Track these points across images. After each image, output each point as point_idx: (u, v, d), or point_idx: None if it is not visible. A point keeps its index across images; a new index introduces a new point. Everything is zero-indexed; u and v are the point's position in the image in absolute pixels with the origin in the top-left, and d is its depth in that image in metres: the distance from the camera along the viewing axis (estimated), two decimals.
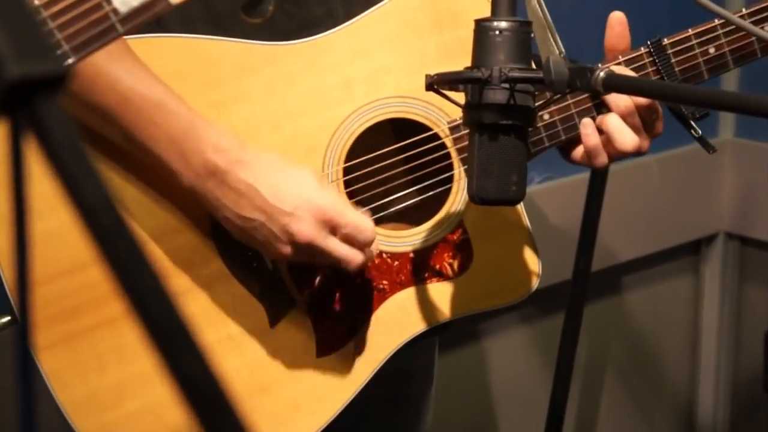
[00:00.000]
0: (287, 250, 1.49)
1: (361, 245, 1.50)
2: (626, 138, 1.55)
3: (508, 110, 1.37)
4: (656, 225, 2.84)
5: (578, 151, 1.61)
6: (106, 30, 1.05)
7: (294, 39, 1.57)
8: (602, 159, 1.58)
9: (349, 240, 1.49)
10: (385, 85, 1.59)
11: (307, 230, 1.47)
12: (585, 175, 2.40)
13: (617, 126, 1.55)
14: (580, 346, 2.42)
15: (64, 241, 1.48)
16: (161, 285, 0.68)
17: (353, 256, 1.50)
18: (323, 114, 1.57)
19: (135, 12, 1.05)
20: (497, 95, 1.37)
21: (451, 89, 1.45)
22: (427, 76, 1.43)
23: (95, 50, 1.05)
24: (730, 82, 2.84)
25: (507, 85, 1.36)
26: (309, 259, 1.52)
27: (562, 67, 1.34)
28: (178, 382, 0.69)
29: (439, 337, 1.83)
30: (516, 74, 1.36)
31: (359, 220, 1.50)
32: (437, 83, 1.43)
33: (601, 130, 1.57)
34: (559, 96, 1.50)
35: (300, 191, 1.47)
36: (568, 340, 2.39)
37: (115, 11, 1.04)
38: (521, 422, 2.73)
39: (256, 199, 1.47)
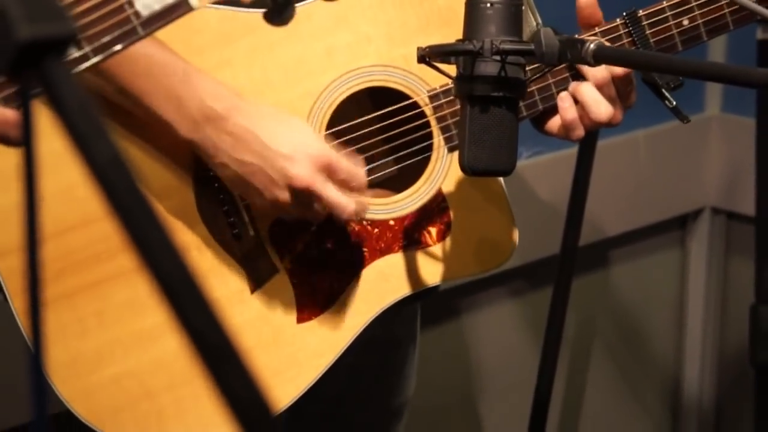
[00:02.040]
0: (284, 195, 1.48)
1: (356, 190, 1.49)
2: (601, 108, 1.55)
3: (500, 82, 1.38)
4: (643, 200, 2.83)
5: (553, 123, 1.61)
6: (128, 33, 1.05)
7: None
8: (579, 132, 1.58)
9: (344, 185, 1.49)
10: (366, 54, 1.58)
11: (305, 173, 1.46)
12: (573, 150, 2.39)
13: (593, 96, 1.55)
14: (567, 320, 2.41)
15: (54, 204, 1.47)
16: (171, 241, 0.70)
17: (347, 204, 1.49)
18: (304, 82, 1.57)
19: (156, 16, 1.04)
20: (489, 67, 1.38)
21: (442, 61, 1.46)
22: (418, 48, 1.44)
23: (116, 53, 1.05)
24: (717, 55, 2.82)
25: (498, 58, 1.37)
26: (302, 206, 1.51)
27: (553, 39, 1.35)
28: (188, 333, 0.71)
29: (420, 305, 1.83)
30: (507, 46, 1.37)
31: (353, 166, 1.50)
32: (429, 55, 1.44)
33: (575, 99, 1.57)
34: (549, 68, 1.49)
35: (297, 137, 1.48)
36: (556, 314, 2.38)
37: (137, 14, 1.04)
38: (509, 396, 2.72)
39: (254, 143, 1.47)
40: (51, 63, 0.69)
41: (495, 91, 1.39)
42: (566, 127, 1.57)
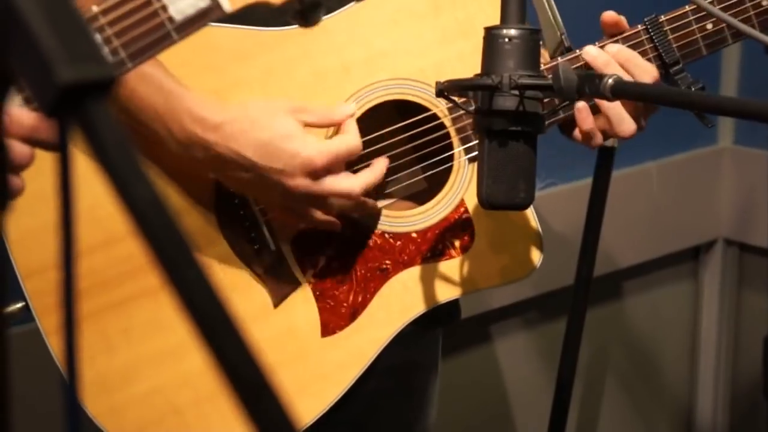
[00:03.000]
0: (289, 204, 1.49)
1: (356, 161, 1.48)
2: (624, 126, 1.55)
3: (518, 117, 1.38)
4: (656, 231, 2.82)
5: (578, 132, 1.60)
6: (162, 37, 1.05)
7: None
8: (597, 140, 1.58)
9: (347, 167, 1.48)
10: (383, 69, 1.58)
11: (301, 184, 1.46)
12: (586, 182, 2.38)
13: (617, 113, 1.55)
14: (581, 350, 2.40)
15: None
16: (209, 282, 0.70)
17: (350, 186, 1.49)
18: (322, 98, 1.56)
19: (190, 20, 1.05)
20: (507, 102, 1.37)
21: (460, 95, 1.45)
22: (437, 82, 1.43)
23: (151, 57, 1.05)
24: (729, 86, 2.83)
25: (516, 92, 1.37)
26: (313, 209, 1.50)
27: (571, 74, 1.35)
28: (224, 371, 0.71)
29: (442, 331, 1.81)
30: (526, 81, 1.36)
31: (344, 143, 1.48)
32: (447, 89, 1.43)
33: (598, 109, 1.56)
34: (567, 103, 1.49)
35: (287, 146, 1.46)
36: (570, 345, 2.37)
37: (171, 19, 1.04)
38: (524, 425, 2.71)
39: (243, 163, 1.46)
40: (92, 105, 0.69)
41: (513, 125, 1.38)
42: (585, 136, 1.57)
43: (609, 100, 1.35)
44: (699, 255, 2.97)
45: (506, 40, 1.38)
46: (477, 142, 1.57)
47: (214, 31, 1.53)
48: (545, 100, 1.46)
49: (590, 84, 1.34)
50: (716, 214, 2.91)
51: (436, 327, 1.74)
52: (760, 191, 2.66)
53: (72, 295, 0.71)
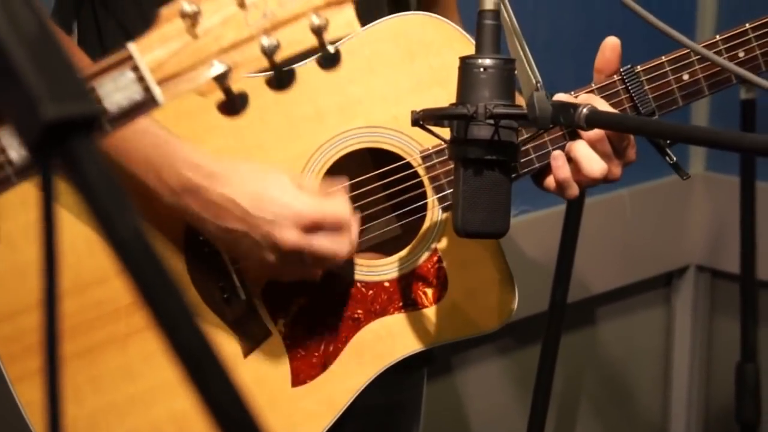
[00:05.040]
0: (272, 257, 1.45)
1: (344, 230, 1.46)
2: (594, 165, 1.52)
3: (493, 146, 1.37)
4: (629, 257, 2.82)
5: (551, 180, 1.57)
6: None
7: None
8: (573, 191, 1.55)
9: (334, 231, 1.45)
10: (357, 116, 1.55)
11: (290, 237, 1.43)
12: (560, 208, 2.38)
13: (585, 154, 1.52)
14: (555, 376, 2.40)
15: (40, 273, 1.44)
16: (191, 315, 0.71)
17: (339, 250, 1.46)
18: (295, 145, 1.54)
19: (124, 113, 1.06)
20: (482, 131, 1.37)
21: (436, 124, 1.44)
22: (412, 112, 1.42)
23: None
24: (700, 115, 2.84)
25: (492, 121, 1.36)
26: (294, 265, 1.48)
27: (546, 104, 1.34)
28: (209, 406, 0.71)
29: (427, 369, 1.79)
30: (501, 110, 1.36)
31: (336, 209, 1.46)
32: (423, 119, 1.42)
33: (570, 158, 1.54)
34: (541, 131, 1.49)
35: (278, 198, 1.44)
36: (544, 371, 2.36)
37: (105, 111, 1.05)
38: None
39: (235, 211, 1.44)
40: (76, 142, 0.68)
41: (488, 154, 1.38)
42: (560, 186, 1.54)
43: (583, 129, 1.34)
44: (671, 281, 2.98)
45: (481, 69, 1.37)
46: (450, 191, 1.55)
47: None
48: (521, 149, 1.47)
49: (564, 114, 1.33)
50: (688, 241, 2.91)
51: (421, 368, 1.71)
52: (731, 218, 2.66)
53: (55, 336, 0.71)
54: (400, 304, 1.59)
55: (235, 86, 1.17)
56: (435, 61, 1.57)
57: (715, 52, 1.55)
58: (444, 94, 1.53)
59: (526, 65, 1.43)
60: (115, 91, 1.06)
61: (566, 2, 2.63)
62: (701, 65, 1.57)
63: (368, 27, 1.57)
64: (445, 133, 1.44)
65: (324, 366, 1.57)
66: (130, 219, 0.69)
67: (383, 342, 1.58)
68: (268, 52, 1.15)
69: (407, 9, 1.66)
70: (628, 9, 1.37)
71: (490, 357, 2.67)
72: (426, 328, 1.59)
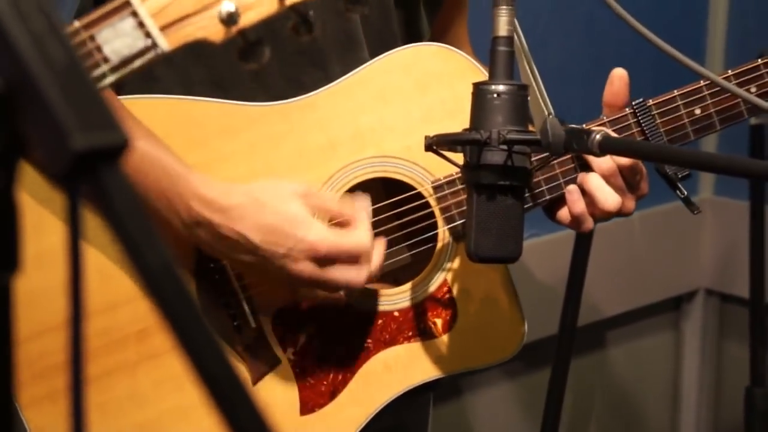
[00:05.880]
0: (287, 289, 1.46)
1: (362, 259, 1.45)
2: (608, 198, 1.51)
3: (506, 171, 1.37)
4: (638, 281, 2.82)
5: (563, 214, 1.56)
6: (96, 78, 1.02)
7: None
8: (588, 224, 1.54)
9: (350, 261, 1.44)
10: (369, 146, 1.55)
11: (304, 270, 1.43)
12: (568, 233, 2.37)
13: (599, 186, 1.52)
14: (563, 399, 2.39)
15: (49, 300, 1.43)
16: (219, 347, 0.71)
17: (355, 278, 1.44)
18: (307, 174, 1.53)
19: (125, 60, 1.03)
20: (495, 156, 1.37)
21: (449, 150, 1.44)
22: (426, 137, 1.42)
23: None
24: (709, 139, 2.84)
25: (505, 147, 1.36)
26: (309, 293, 1.48)
27: (559, 130, 1.33)
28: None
29: (433, 393, 1.78)
30: (514, 136, 1.36)
31: (354, 239, 1.44)
32: (436, 144, 1.42)
33: (583, 190, 1.54)
34: (555, 157, 1.49)
35: (292, 231, 1.42)
36: (554, 395, 2.36)
37: (105, 59, 1.03)
38: None
39: (247, 246, 1.43)
40: (105, 171, 0.68)
41: (501, 179, 1.38)
42: (576, 220, 1.54)
43: (596, 155, 1.34)
44: (681, 305, 2.97)
45: (495, 95, 1.37)
46: (461, 222, 1.55)
47: (200, 105, 1.51)
48: (534, 180, 1.46)
49: (578, 140, 1.32)
50: (697, 265, 2.91)
51: (427, 392, 1.71)
52: (740, 242, 2.66)
53: (80, 359, 0.71)
54: (410, 333, 1.58)
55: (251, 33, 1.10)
56: (447, 92, 1.57)
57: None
58: (455, 125, 1.53)
59: (538, 93, 1.43)
60: (115, 38, 1.03)
61: (575, 29, 2.63)
62: (713, 100, 1.56)
63: (381, 57, 1.57)
64: (458, 158, 1.44)
65: (332, 395, 1.56)
66: (159, 249, 0.69)
67: (392, 372, 1.57)
68: None
69: (420, 39, 1.66)
70: (639, 37, 1.37)
71: (499, 380, 2.67)
72: (436, 357, 1.58)
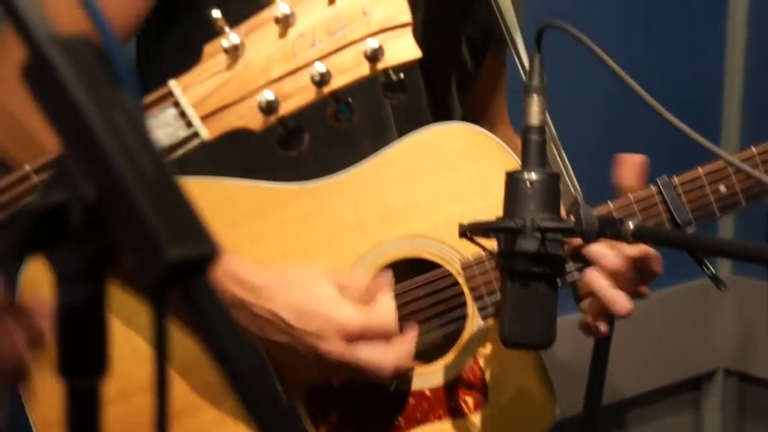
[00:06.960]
0: (317, 370, 1.46)
1: (392, 338, 1.46)
2: (618, 306, 1.56)
3: (540, 258, 1.38)
4: (656, 361, 2.80)
5: (585, 318, 1.60)
6: None
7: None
8: (603, 329, 1.60)
9: (379, 338, 1.45)
10: (397, 225, 1.56)
11: (334, 349, 1.44)
12: None
13: (611, 296, 1.55)
14: None
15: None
16: None
17: (383, 363, 1.45)
18: (337, 253, 1.54)
19: (165, 151, 1.04)
20: (529, 244, 1.38)
21: (482, 236, 1.45)
22: (460, 225, 1.44)
23: None
24: (726, 220, 2.84)
25: (539, 234, 1.37)
26: (339, 375, 1.48)
27: (593, 218, 1.35)
28: None
29: None
30: (548, 224, 1.37)
31: (381, 316, 1.45)
32: (470, 231, 1.44)
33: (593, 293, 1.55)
34: (587, 244, 1.49)
35: (322, 310, 1.44)
36: None
37: None
38: None
39: (280, 324, 1.44)
40: (195, 281, 0.69)
41: (535, 267, 1.39)
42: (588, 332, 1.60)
43: (629, 242, 1.35)
44: (700, 385, 2.95)
45: (528, 184, 1.39)
46: (490, 301, 1.56)
47: (231, 185, 1.53)
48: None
49: (611, 228, 1.34)
50: (716, 344, 2.89)
51: None
52: (759, 321, 2.65)
53: None
54: (441, 411, 1.58)
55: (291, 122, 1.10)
56: (474, 171, 1.58)
57: (750, 165, 1.55)
58: (482, 204, 1.55)
59: (566, 175, 1.45)
60: (157, 128, 1.03)
61: (589, 106, 2.65)
62: (738, 178, 1.56)
63: (409, 136, 1.58)
64: (489, 243, 1.45)
65: None
66: (247, 353, 0.69)
67: None
68: (319, 82, 1.11)
69: (450, 117, 1.68)
70: (656, 117, 1.38)
71: None
72: None
